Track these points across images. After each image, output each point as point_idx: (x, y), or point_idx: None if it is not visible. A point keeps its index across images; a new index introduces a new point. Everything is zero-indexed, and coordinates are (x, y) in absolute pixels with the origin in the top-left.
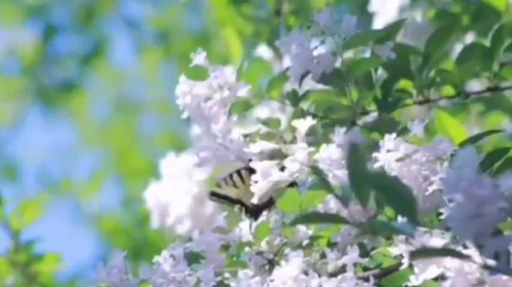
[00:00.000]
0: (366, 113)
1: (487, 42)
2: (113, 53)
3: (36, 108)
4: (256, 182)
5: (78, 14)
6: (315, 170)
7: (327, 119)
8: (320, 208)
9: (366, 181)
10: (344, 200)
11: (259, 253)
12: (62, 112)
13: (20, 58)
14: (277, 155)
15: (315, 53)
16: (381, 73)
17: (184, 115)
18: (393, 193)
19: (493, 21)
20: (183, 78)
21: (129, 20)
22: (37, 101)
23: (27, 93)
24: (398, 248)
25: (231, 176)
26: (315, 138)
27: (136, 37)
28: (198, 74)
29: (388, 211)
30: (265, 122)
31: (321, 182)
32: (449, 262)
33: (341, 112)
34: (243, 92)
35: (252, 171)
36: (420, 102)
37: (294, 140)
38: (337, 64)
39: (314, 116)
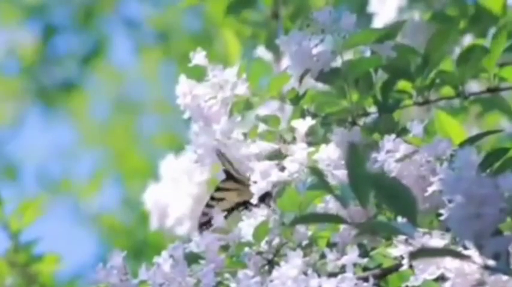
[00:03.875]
0: (366, 114)
1: (485, 44)
2: (113, 53)
3: (36, 108)
4: (255, 182)
5: (78, 14)
6: (314, 171)
7: (326, 118)
8: (320, 208)
9: (365, 182)
10: (343, 201)
11: (259, 253)
12: (62, 112)
13: (20, 58)
14: (276, 156)
15: (315, 51)
16: (380, 74)
17: (186, 115)
18: (393, 193)
19: (490, 23)
20: (182, 78)
21: (129, 20)
22: (37, 101)
23: (27, 93)
24: (398, 249)
25: (212, 197)
26: (314, 139)
27: (136, 37)
28: (198, 73)
29: (388, 211)
30: (264, 120)
31: (320, 182)
32: (449, 263)
33: (341, 112)
34: (242, 89)
35: (231, 177)
36: (420, 103)
37: (293, 141)
38: (337, 63)
39: (314, 115)
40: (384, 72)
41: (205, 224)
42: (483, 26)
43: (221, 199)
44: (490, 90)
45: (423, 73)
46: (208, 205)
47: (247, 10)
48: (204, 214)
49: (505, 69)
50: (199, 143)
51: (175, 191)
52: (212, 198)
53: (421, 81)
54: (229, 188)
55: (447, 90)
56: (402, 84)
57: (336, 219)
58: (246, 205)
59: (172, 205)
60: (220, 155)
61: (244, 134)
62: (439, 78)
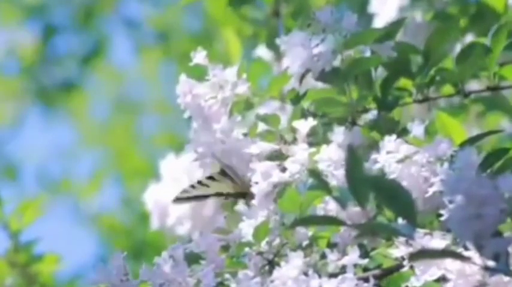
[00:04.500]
0: (365, 111)
1: (486, 42)
2: (113, 53)
3: (36, 108)
4: (256, 183)
5: (78, 14)
6: (313, 173)
7: (327, 118)
8: (320, 208)
9: (364, 184)
10: (342, 202)
11: (259, 254)
12: (62, 112)
13: (20, 58)
14: (277, 156)
15: (315, 51)
16: (380, 71)
17: (186, 115)
18: (392, 195)
19: (492, 22)
20: (183, 77)
21: (129, 20)
22: (37, 101)
23: (27, 93)
24: (399, 250)
25: (199, 181)
26: (315, 139)
27: (136, 37)
28: (198, 73)
29: (388, 212)
30: (264, 119)
31: (320, 183)
32: (451, 264)
33: (341, 111)
34: (243, 88)
35: (225, 174)
36: (420, 101)
37: (294, 141)
38: (337, 62)
39: (314, 115)
40: (384, 69)
41: (180, 200)
42: (485, 24)
43: (205, 185)
44: (490, 89)
45: (423, 71)
46: (192, 186)
47: (247, 7)
48: (184, 191)
49: (506, 68)
50: (199, 142)
51: (175, 191)
52: (199, 181)
53: (420, 78)
54: (217, 179)
55: (447, 89)
56: (402, 81)
57: (335, 221)
58: (226, 196)
59: (173, 204)
60: (219, 160)
61: (244, 134)
62: (439, 75)
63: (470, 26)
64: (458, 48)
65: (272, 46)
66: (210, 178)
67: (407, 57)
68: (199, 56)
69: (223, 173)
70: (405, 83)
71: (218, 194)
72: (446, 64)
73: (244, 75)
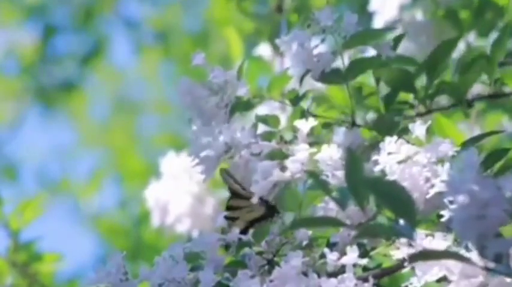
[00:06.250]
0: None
1: (488, 42)
2: (113, 53)
3: (36, 108)
4: (257, 181)
5: (78, 14)
6: (311, 173)
7: (327, 119)
8: (320, 208)
9: (363, 185)
10: (341, 203)
11: (259, 253)
12: (62, 112)
13: (19, 58)
14: (277, 155)
15: (315, 51)
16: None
17: (187, 116)
18: (391, 196)
19: (495, 18)
20: (183, 78)
21: (129, 20)
22: (37, 101)
23: (27, 93)
24: (401, 252)
25: (226, 217)
26: (315, 139)
27: (135, 37)
28: (198, 74)
29: (388, 212)
30: (264, 120)
31: (319, 184)
32: (453, 265)
33: (342, 114)
34: (243, 91)
35: (237, 195)
36: (422, 114)
37: (293, 140)
38: (337, 63)
39: (314, 115)
40: (387, 86)
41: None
42: (488, 21)
43: (235, 218)
44: (491, 96)
45: (426, 84)
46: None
47: (250, 1)
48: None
49: (506, 74)
50: (202, 145)
51: (175, 189)
52: (226, 218)
53: (423, 92)
54: (240, 206)
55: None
56: (404, 94)
57: (334, 222)
58: (260, 220)
59: (173, 202)
60: (227, 177)
61: None
62: (441, 89)
63: (472, 23)
64: (461, 46)
65: (274, 42)
66: (231, 208)
67: (409, 73)
68: (199, 58)
69: (233, 195)
70: (406, 95)
71: (253, 222)
72: (447, 72)
73: (244, 77)
